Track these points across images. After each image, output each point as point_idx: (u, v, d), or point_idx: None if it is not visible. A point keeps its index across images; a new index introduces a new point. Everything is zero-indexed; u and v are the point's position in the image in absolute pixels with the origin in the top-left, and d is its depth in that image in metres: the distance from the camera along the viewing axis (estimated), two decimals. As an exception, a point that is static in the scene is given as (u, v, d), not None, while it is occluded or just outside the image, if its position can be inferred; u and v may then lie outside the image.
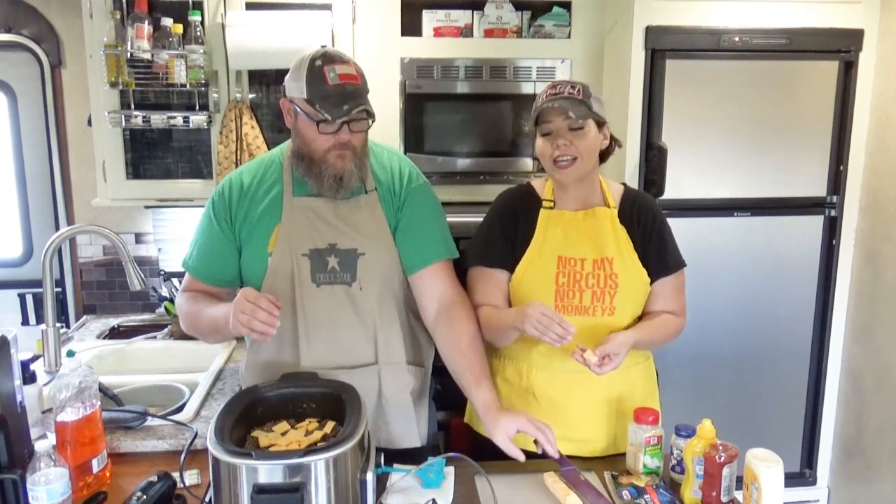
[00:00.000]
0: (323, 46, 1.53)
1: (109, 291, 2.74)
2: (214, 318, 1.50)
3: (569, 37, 2.50)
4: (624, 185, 1.68)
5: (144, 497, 1.25)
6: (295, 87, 1.47)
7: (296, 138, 1.53)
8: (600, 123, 1.56)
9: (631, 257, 1.58)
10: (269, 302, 1.34)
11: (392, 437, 1.62)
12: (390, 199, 1.60)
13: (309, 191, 1.55)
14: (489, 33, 2.49)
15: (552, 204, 1.62)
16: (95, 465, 1.38)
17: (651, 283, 1.60)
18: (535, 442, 1.42)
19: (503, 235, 1.62)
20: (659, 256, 1.60)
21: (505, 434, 1.41)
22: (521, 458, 1.40)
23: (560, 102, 1.50)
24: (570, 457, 1.47)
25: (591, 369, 1.43)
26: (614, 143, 1.62)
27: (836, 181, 2.36)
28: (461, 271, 1.67)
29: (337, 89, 1.44)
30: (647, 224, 1.61)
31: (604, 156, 1.62)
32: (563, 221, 1.60)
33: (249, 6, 2.32)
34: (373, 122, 1.51)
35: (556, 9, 2.51)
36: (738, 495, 1.36)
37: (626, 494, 1.38)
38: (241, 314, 1.34)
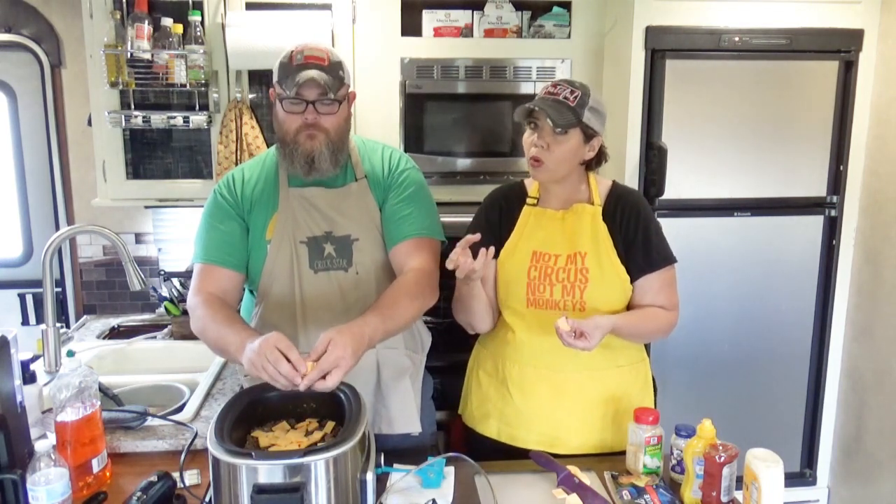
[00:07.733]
0: None
1: (109, 291, 2.74)
2: (224, 341, 1.41)
3: (569, 37, 2.50)
4: (614, 182, 1.67)
5: (144, 497, 1.25)
6: (274, 74, 1.53)
7: (274, 122, 1.58)
8: (589, 135, 1.55)
9: (608, 254, 1.57)
10: (297, 355, 1.25)
11: (392, 421, 1.64)
12: (379, 184, 1.63)
13: (302, 181, 1.58)
14: (489, 33, 2.49)
15: (536, 201, 1.65)
16: (95, 465, 1.38)
17: (637, 280, 1.59)
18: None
19: (486, 228, 1.63)
20: (644, 253, 1.58)
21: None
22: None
23: (551, 105, 1.50)
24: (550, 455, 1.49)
25: (562, 338, 1.41)
26: (602, 156, 1.62)
27: (836, 181, 2.36)
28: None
29: (299, 68, 1.48)
30: (631, 221, 1.59)
31: (588, 166, 1.62)
32: (544, 219, 1.62)
33: (249, 6, 2.32)
34: (341, 104, 1.53)
35: (556, 9, 2.50)
36: (738, 495, 1.36)
37: (626, 494, 1.38)
38: (266, 362, 1.24)
